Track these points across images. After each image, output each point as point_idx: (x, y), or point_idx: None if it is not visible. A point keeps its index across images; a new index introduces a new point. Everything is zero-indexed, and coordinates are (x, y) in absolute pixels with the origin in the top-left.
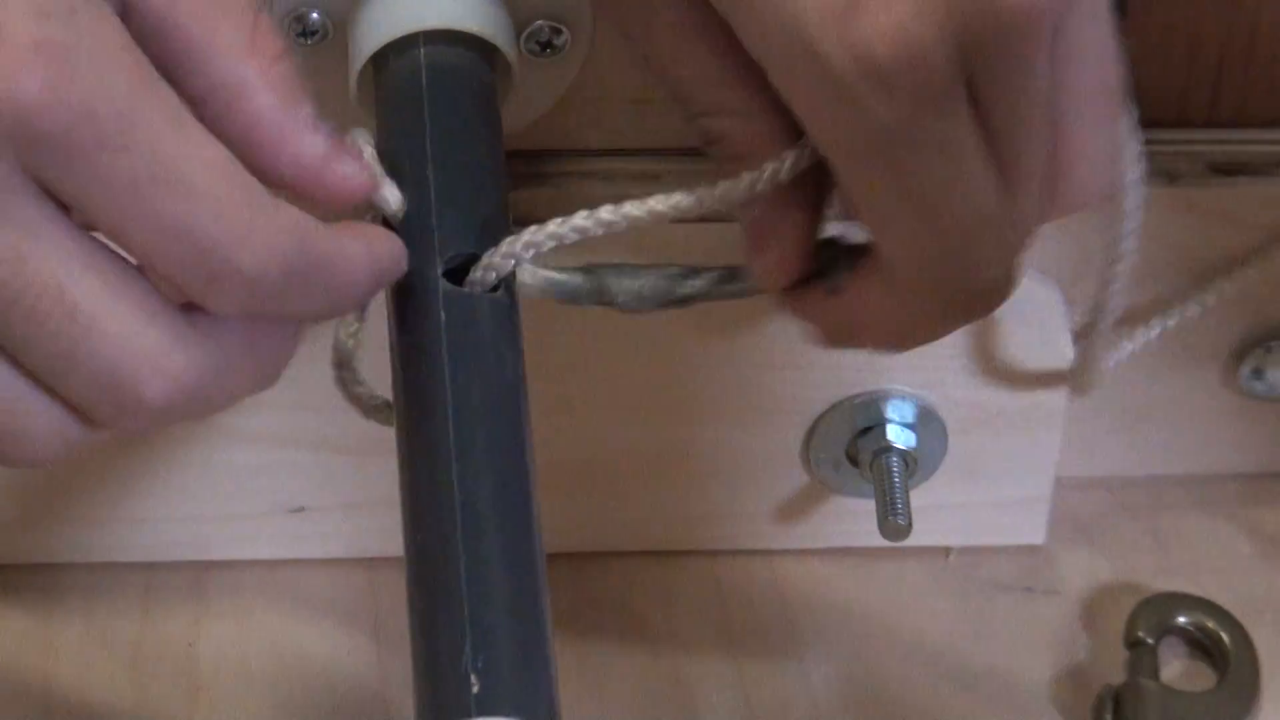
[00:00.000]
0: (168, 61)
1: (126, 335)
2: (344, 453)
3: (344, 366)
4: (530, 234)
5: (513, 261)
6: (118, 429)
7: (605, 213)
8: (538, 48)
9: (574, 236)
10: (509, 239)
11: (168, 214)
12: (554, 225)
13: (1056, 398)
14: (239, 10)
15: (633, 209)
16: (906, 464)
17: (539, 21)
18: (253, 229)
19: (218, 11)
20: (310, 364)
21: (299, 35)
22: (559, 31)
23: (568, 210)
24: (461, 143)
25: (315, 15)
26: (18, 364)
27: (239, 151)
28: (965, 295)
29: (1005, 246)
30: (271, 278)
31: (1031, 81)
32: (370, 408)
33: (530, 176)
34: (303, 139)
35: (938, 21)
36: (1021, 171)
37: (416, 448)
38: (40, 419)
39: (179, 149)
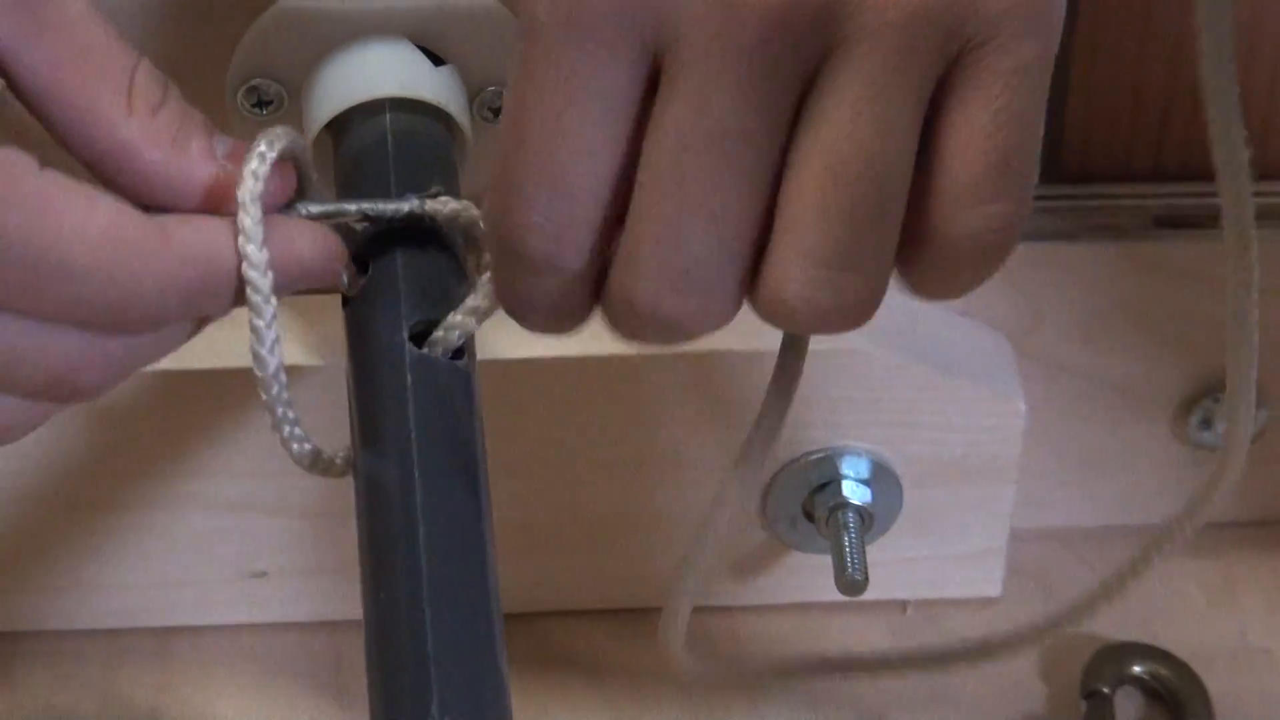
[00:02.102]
0: (57, 130)
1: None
2: (304, 517)
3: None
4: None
5: (475, 319)
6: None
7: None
8: (490, 114)
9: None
10: (472, 296)
11: (56, 298)
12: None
13: (1009, 451)
14: (116, 72)
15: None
16: (862, 519)
17: (491, 88)
18: (144, 279)
19: (95, 78)
20: (268, 430)
21: (254, 106)
22: None
23: None
24: None
25: (270, 86)
26: None
27: (141, 202)
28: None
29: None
30: (174, 306)
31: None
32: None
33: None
34: (202, 178)
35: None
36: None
37: (380, 509)
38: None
39: (54, 232)
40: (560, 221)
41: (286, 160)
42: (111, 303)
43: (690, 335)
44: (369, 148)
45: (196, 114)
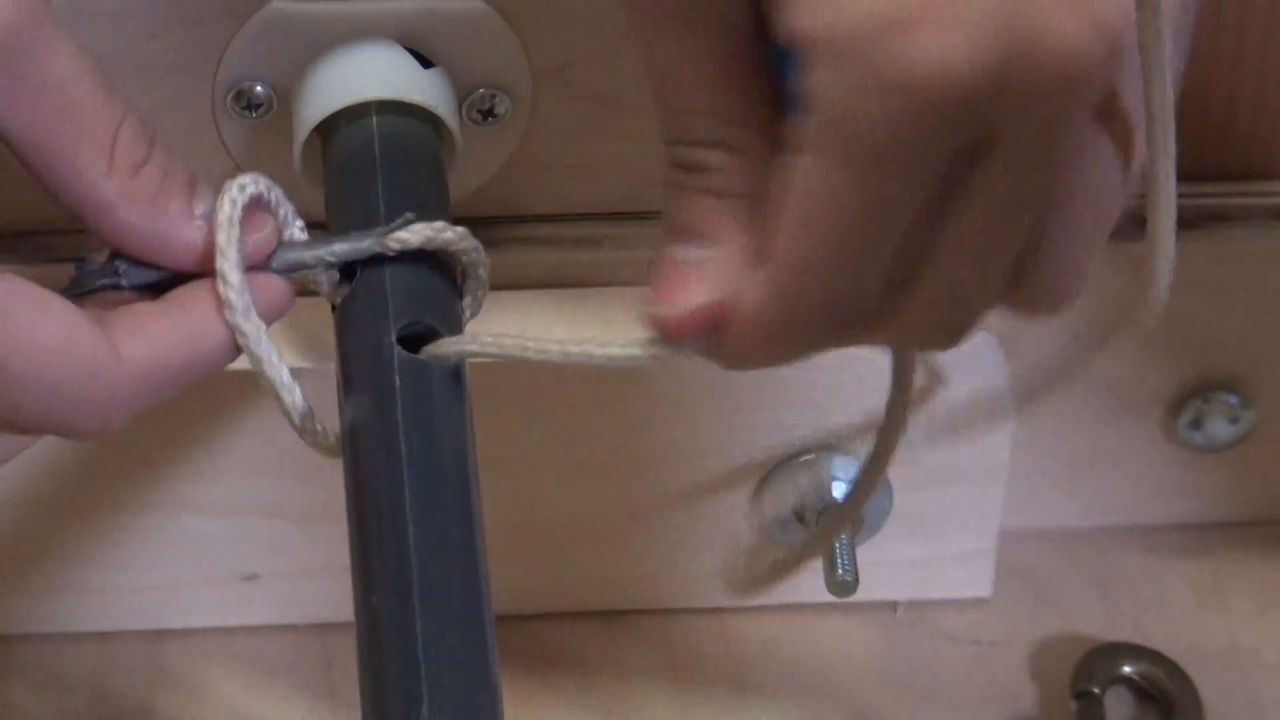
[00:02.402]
0: (40, 182)
1: None
2: (295, 520)
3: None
4: (487, 338)
5: (466, 348)
6: None
7: (567, 346)
8: (479, 116)
9: (521, 356)
10: (466, 336)
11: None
12: (511, 341)
13: (999, 452)
14: (100, 128)
15: (592, 349)
16: (852, 521)
17: (480, 90)
18: (89, 394)
19: (77, 137)
20: (259, 434)
21: (244, 109)
22: (500, 100)
23: (511, 274)
24: (413, 210)
25: (260, 89)
26: None
27: (125, 252)
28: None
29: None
30: (118, 420)
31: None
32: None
33: None
34: (178, 237)
35: (982, 71)
36: (980, 247)
37: (370, 512)
38: None
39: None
40: (851, 305)
41: (260, 213)
42: (52, 414)
43: None
44: (357, 150)
45: (180, 171)
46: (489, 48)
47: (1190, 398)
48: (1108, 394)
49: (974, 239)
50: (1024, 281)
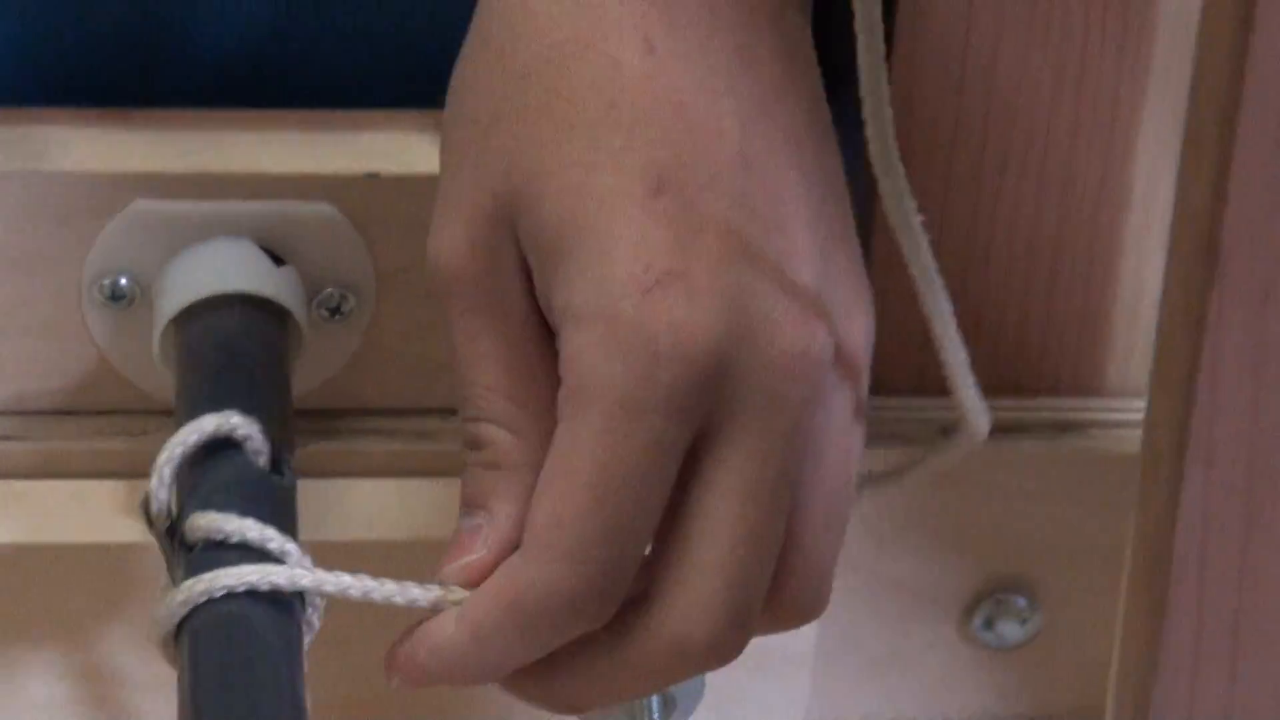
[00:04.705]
0: None
1: None
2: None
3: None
4: (310, 575)
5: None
6: None
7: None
8: (327, 313)
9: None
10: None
11: None
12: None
13: (804, 644)
14: None
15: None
16: (665, 705)
17: (328, 289)
18: None
19: None
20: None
21: (108, 299)
22: (347, 299)
23: (353, 464)
24: (252, 401)
25: (124, 281)
26: None
27: None
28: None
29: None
30: None
31: (775, 443)
32: None
33: (318, 433)
34: None
35: (713, 340)
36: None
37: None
38: None
39: None
40: (618, 577)
41: None
42: None
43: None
44: (206, 342)
45: None
46: (337, 249)
47: (982, 599)
48: (906, 594)
49: (723, 539)
50: (778, 590)
